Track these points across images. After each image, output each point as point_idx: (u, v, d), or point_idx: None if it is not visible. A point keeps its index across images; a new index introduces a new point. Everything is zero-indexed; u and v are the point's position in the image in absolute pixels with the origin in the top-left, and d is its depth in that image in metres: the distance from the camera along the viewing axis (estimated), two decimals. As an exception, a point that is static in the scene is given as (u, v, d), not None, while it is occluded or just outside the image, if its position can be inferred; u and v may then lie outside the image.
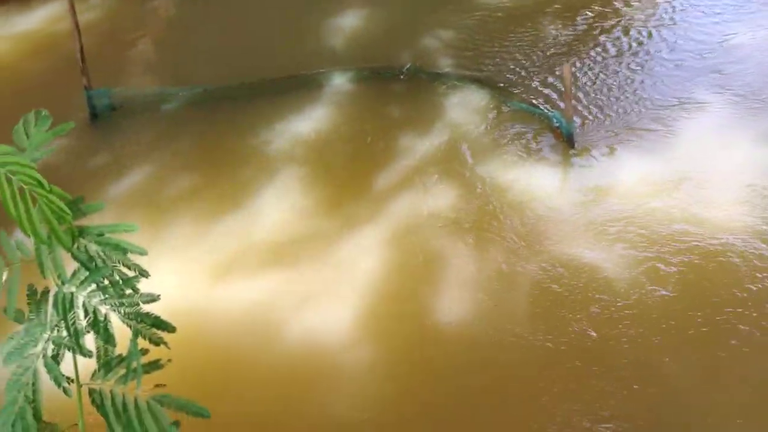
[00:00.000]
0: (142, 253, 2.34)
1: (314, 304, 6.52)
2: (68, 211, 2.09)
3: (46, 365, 2.25)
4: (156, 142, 8.49)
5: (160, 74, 9.89)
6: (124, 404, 2.28)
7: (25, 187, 2.01)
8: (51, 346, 2.30)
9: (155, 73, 9.92)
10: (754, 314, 5.92)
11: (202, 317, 6.39)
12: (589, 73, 8.98)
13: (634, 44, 9.42)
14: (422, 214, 7.30)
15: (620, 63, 9.10)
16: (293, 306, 6.51)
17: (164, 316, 6.10)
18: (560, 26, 9.98)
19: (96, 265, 2.31)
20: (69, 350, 2.30)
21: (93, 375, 2.35)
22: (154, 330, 2.37)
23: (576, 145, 7.75)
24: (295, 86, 9.13)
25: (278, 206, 7.55)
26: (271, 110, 8.75)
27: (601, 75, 8.92)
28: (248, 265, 6.94)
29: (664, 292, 6.20)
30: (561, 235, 6.84)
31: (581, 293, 6.27)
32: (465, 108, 8.59)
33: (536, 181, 7.45)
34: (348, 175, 7.92)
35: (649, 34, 9.59)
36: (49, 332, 2.31)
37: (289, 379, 5.91)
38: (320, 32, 10.35)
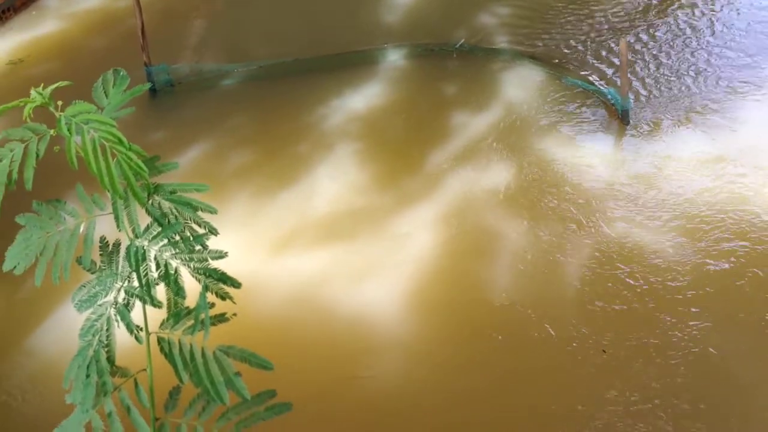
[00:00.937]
0: (212, 211, 2.44)
1: (368, 277, 6.61)
2: (145, 168, 2.21)
3: (118, 312, 2.37)
4: (214, 118, 8.66)
5: (217, 51, 10.08)
6: (192, 353, 2.39)
7: (106, 143, 2.13)
8: (122, 296, 2.42)
9: (213, 50, 10.10)
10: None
11: (261, 288, 6.55)
12: (646, 49, 8.86)
13: (695, 22, 9.25)
14: (477, 190, 7.33)
15: (679, 41, 8.95)
16: (348, 279, 6.61)
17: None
18: (616, 1, 9.85)
19: (168, 221, 2.42)
20: (140, 300, 2.41)
21: (161, 324, 2.46)
22: (221, 285, 2.47)
23: (631, 122, 7.68)
24: (350, 62, 9.23)
25: (334, 181, 7.65)
26: (327, 86, 8.87)
27: (659, 52, 8.79)
28: (305, 239, 7.06)
29: (717, 268, 6.17)
30: (616, 213, 6.80)
31: (638, 272, 6.24)
32: (519, 84, 8.58)
33: (591, 159, 7.41)
34: (403, 151, 7.98)
35: (712, 13, 9.40)
36: (120, 282, 2.44)
37: (342, 349, 6.01)
38: (375, 9, 10.41)
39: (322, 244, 6.97)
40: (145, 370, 2.49)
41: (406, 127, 8.25)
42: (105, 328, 2.37)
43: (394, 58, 9.29)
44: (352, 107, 8.53)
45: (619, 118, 7.75)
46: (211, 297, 2.49)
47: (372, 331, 6.17)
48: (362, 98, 8.64)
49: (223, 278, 2.48)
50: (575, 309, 6.05)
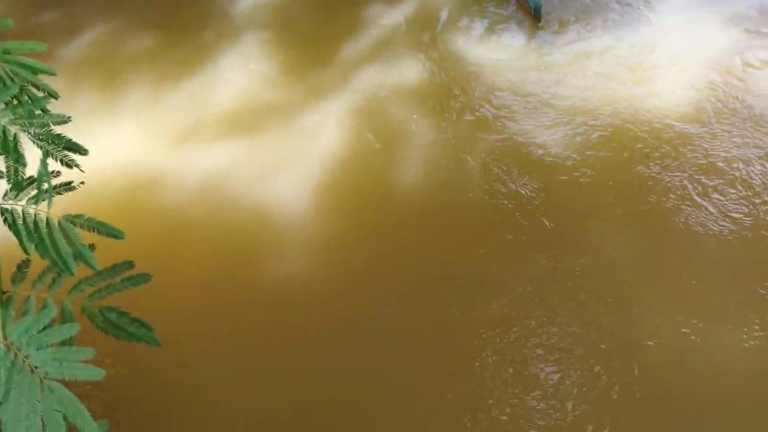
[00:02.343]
0: (51, 73, 2.30)
1: (275, 171, 6.50)
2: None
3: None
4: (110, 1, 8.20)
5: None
6: (36, 223, 2.29)
7: None
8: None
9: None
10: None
11: (160, 182, 6.39)
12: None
13: None
14: (387, 85, 7.19)
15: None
16: (254, 172, 6.49)
17: (122, 178, 6.13)
18: None
19: (4, 84, 2.27)
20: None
21: (4, 196, 2.35)
22: (66, 152, 2.35)
23: (543, 20, 7.61)
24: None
25: (241, 72, 7.40)
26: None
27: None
28: (209, 131, 6.86)
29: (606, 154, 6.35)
30: (522, 110, 6.82)
31: (536, 162, 6.32)
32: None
33: (501, 55, 7.34)
34: (313, 43, 7.73)
35: None
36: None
37: (243, 245, 5.96)
38: None
39: (227, 137, 6.79)
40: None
41: (317, 19, 7.97)
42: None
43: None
44: (261, -6, 8.19)
45: (532, 16, 7.67)
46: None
47: (277, 224, 6.11)
48: (272, -16, 8.30)
49: (69, 145, 2.36)
50: (476, 206, 6.14)
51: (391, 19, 7.91)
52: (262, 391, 5.03)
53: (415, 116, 6.87)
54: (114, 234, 2.35)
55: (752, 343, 5.02)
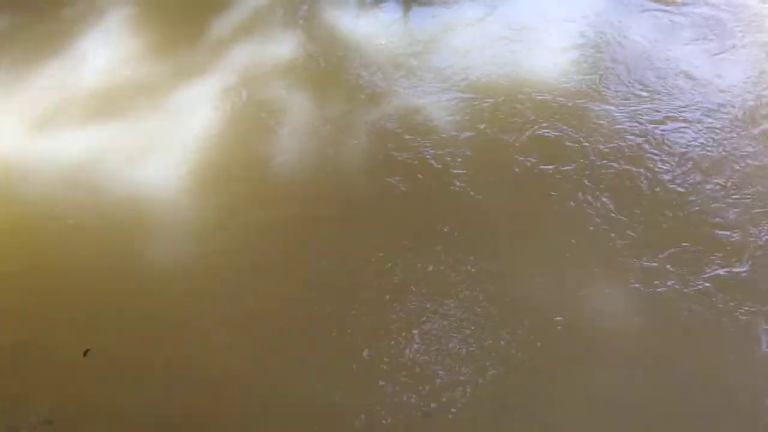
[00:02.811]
0: None
1: (146, 155, 6.24)
2: None
3: None
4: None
5: None
6: None
7: None
8: None
9: None
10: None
11: (20, 171, 6.03)
12: None
13: None
14: (260, 63, 7.02)
15: None
16: (123, 157, 6.21)
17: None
18: None
19: None
20: None
21: None
22: None
23: (418, -8, 7.62)
24: None
25: (105, 51, 7.06)
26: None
27: None
28: (74, 115, 6.52)
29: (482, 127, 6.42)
30: (401, 82, 6.81)
31: (416, 134, 6.34)
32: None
33: (376, 29, 7.29)
34: (182, 19, 7.45)
35: None
36: None
37: (114, 232, 5.72)
38: None
39: (94, 121, 6.47)
40: None
41: (186, -6, 7.69)
42: None
43: None
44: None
45: (406, -12, 7.67)
46: None
47: (151, 209, 5.87)
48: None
49: None
50: (360, 179, 6.12)
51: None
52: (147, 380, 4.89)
53: (291, 93, 6.75)
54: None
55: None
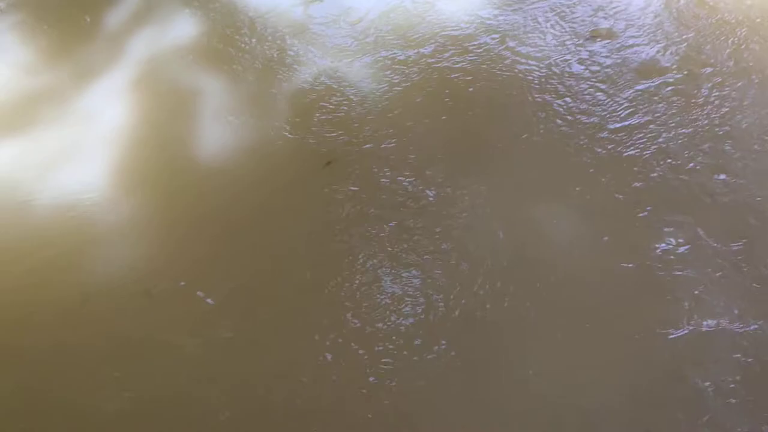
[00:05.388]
0: None
1: (61, 168, 5.96)
2: None
3: None
4: None
5: None
6: None
7: None
8: None
9: None
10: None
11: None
12: None
13: None
14: (164, 48, 6.76)
15: None
16: (41, 169, 5.92)
17: None
18: None
19: None
20: None
21: None
22: None
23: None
24: None
25: (-3, 64, 6.69)
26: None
27: None
28: (-26, 137, 6.19)
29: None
30: (315, 48, 6.68)
31: (334, 97, 6.24)
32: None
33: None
34: (70, 18, 7.07)
35: None
36: None
37: (46, 249, 5.46)
38: None
39: (1, 138, 6.13)
40: None
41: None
42: None
43: None
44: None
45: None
46: None
47: (75, 224, 5.62)
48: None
49: None
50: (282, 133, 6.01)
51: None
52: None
53: (202, 75, 6.54)
54: None
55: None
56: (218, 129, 6.15)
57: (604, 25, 6.77)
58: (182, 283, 5.23)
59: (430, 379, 4.72)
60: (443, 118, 6.07)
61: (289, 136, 6.03)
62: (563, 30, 6.71)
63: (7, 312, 5.14)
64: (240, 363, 4.84)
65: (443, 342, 4.86)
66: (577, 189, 5.57)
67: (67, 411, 4.68)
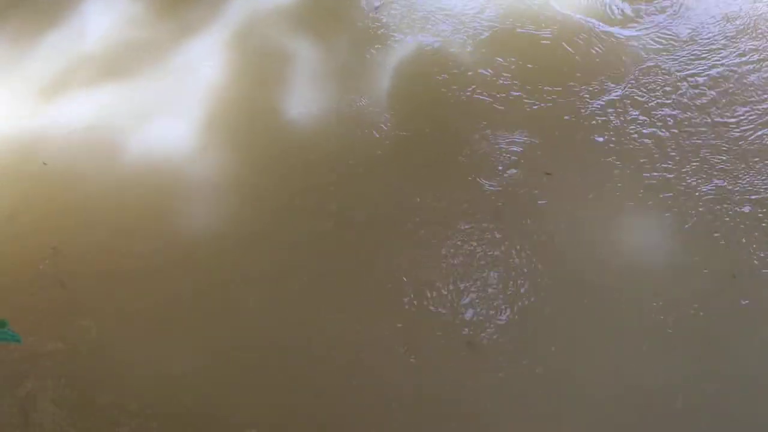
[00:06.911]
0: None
1: (156, 117, 6.20)
2: None
3: None
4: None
5: None
6: None
7: None
8: None
9: None
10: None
11: (33, 142, 5.98)
12: None
13: None
14: (261, 11, 6.92)
15: None
16: (133, 121, 6.16)
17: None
18: None
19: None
20: None
21: None
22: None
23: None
24: None
25: (105, 15, 6.93)
26: None
27: None
28: (81, 81, 6.42)
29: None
30: (420, 20, 6.69)
31: (432, 72, 6.30)
32: None
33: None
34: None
35: None
36: None
37: (135, 199, 5.69)
38: None
39: (101, 85, 6.39)
40: None
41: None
42: None
43: None
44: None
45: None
46: None
47: (164, 174, 5.83)
48: None
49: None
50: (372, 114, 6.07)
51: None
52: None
53: (299, 43, 6.66)
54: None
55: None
56: (306, 94, 6.27)
57: None
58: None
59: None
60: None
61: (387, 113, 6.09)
62: None
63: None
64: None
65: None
66: None
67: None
